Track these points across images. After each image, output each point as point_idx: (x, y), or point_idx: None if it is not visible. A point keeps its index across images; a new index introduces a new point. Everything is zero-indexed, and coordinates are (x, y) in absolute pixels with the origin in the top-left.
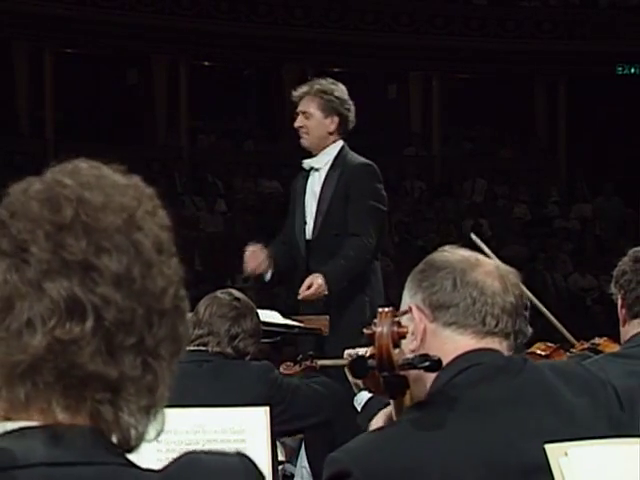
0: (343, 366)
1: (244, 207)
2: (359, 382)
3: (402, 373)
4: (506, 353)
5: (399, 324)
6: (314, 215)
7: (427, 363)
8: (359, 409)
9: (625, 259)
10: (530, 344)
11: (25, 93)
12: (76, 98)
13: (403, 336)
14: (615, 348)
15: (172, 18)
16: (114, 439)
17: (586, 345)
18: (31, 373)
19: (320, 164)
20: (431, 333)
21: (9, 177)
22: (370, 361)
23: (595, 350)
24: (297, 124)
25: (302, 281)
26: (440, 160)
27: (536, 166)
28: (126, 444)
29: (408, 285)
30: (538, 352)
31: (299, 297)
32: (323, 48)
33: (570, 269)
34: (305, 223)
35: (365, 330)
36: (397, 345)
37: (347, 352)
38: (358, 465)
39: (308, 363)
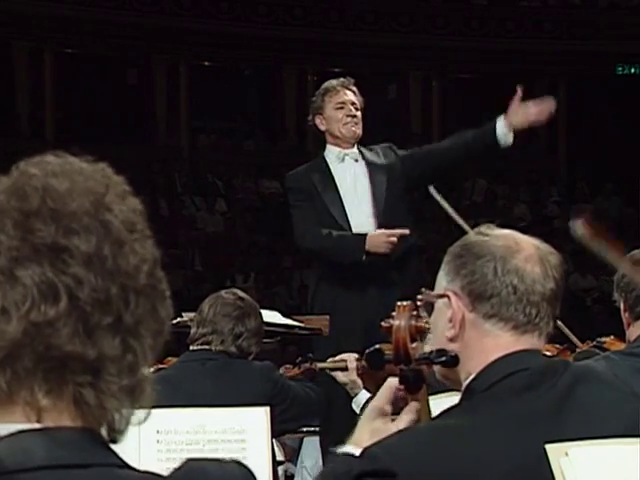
0: (338, 369)
1: (244, 207)
2: (358, 381)
3: (418, 368)
4: (544, 343)
5: (417, 318)
6: (370, 207)
7: (444, 358)
8: (357, 411)
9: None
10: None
11: (25, 93)
12: (76, 98)
13: (421, 330)
14: (621, 347)
15: (172, 18)
16: (99, 424)
17: (592, 344)
18: (10, 360)
19: (356, 155)
20: (470, 323)
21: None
22: (387, 354)
23: (601, 348)
24: (352, 113)
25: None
26: None
27: (536, 166)
28: (112, 429)
29: (445, 269)
30: (545, 353)
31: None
32: (323, 48)
33: (570, 269)
34: (346, 215)
35: (383, 323)
36: (415, 339)
37: (340, 356)
38: (403, 466)
39: (307, 365)
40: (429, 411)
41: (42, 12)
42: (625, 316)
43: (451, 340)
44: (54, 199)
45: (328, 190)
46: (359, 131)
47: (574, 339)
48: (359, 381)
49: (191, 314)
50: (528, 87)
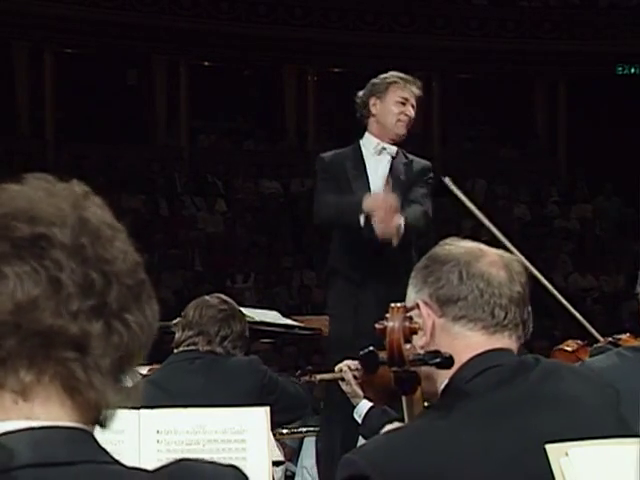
0: (337, 379)
1: (244, 207)
2: (357, 390)
3: (413, 369)
4: (516, 345)
5: (411, 319)
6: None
7: (438, 359)
8: (359, 421)
9: None
10: (561, 340)
11: (25, 93)
12: (76, 98)
13: (414, 331)
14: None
15: (172, 18)
16: (90, 405)
17: (608, 340)
18: None
19: (393, 152)
20: (440, 328)
21: (9, 177)
22: (381, 356)
23: (616, 345)
24: (410, 114)
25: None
26: (440, 160)
27: (536, 166)
28: (99, 411)
29: (412, 281)
30: (566, 348)
31: (379, 230)
32: (323, 48)
33: (570, 269)
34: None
35: (377, 325)
36: (408, 340)
37: (338, 367)
38: (376, 469)
39: (307, 378)
40: None
41: (42, 12)
42: None
43: (423, 348)
44: (32, 207)
45: (359, 180)
46: (405, 132)
47: (596, 334)
48: (359, 391)
49: (178, 319)
50: (528, 87)
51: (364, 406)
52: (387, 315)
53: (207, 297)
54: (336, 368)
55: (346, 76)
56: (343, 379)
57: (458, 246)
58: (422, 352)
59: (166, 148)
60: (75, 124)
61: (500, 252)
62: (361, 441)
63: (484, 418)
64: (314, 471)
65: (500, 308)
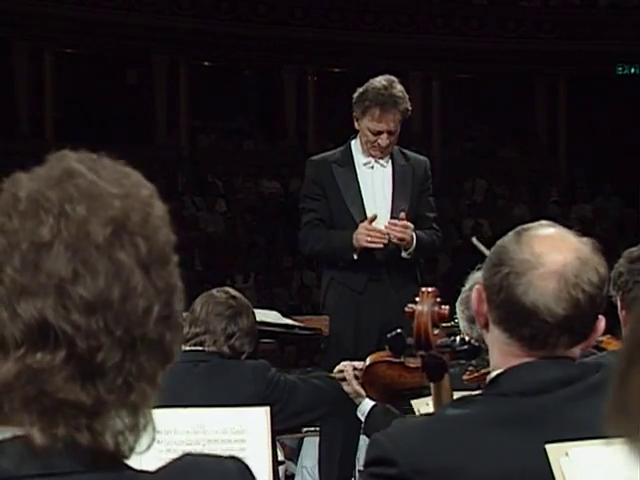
0: (342, 379)
1: (244, 207)
2: (359, 390)
3: (440, 355)
4: (565, 350)
5: (440, 305)
6: (390, 212)
7: (465, 347)
8: (362, 419)
9: (621, 260)
10: None
11: (25, 93)
12: (76, 98)
13: (443, 317)
14: (618, 346)
15: (172, 18)
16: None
17: None
18: None
19: (385, 162)
20: (491, 323)
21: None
22: (409, 339)
23: (598, 347)
24: (385, 143)
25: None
26: (440, 160)
27: (536, 166)
28: (112, 457)
29: (487, 258)
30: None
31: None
32: (323, 48)
33: None
34: (365, 217)
35: (405, 308)
36: (436, 325)
37: (338, 367)
38: (404, 456)
39: None
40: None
41: (42, 12)
42: (622, 314)
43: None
44: (69, 228)
45: (350, 190)
46: (382, 155)
47: None
48: (361, 390)
49: (185, 314)
50: (528, 87)
51: (367, 405)
52: (417, 299)
53: (215, 292)
54: (336, 369)
55: (346, 76)
56: (344, 379)
57: (523, 245)
58: (450, 339)
59: (166, 148)
60: (75, 124)
61: (572, 256)
62: (363, 440)
63: (516, 425)
64: (314, 471)
65: (534, 325)
